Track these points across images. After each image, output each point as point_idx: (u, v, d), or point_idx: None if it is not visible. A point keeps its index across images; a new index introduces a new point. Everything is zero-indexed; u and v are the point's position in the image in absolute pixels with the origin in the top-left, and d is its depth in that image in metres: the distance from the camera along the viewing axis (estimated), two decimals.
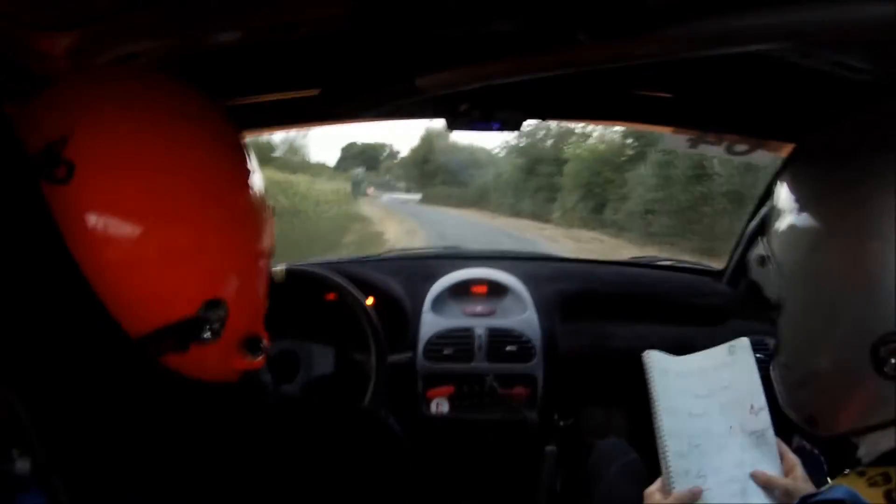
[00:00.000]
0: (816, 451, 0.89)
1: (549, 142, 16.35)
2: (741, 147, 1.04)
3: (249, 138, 0.64)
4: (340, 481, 0.51)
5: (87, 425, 0.45)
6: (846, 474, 0.53)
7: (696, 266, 1.79)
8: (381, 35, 0.71)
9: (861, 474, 0.51)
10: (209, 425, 0.50)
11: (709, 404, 0.72)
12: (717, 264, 1.69)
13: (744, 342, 0.74)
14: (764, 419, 0.70)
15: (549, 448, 1.42)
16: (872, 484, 0.50)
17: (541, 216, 14.57)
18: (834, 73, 0.61)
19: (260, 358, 0.56)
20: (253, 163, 0.57)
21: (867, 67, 0.59)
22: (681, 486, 0.68)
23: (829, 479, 0.59)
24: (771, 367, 0.65)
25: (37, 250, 0.43)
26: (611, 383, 1.48)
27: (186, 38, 0.70)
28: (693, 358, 0.75)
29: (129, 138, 0.47)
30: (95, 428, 0.45)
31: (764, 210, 0.65)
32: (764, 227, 0.64)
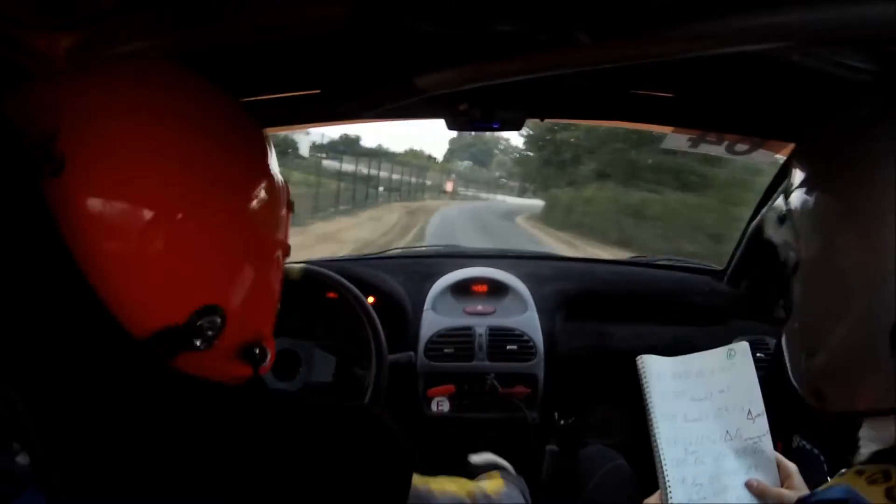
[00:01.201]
0: (816, 451, 0.89)
1: None
2: (742, 147, 1.04)
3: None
4: (339, 479, 0.51)
5: (85, 421, 0.44)
6: (843, 473, 0.52)
7: (696, 265, 1.79)
8: (381, 35, 0.71)
9: (860, 473, 0.51)
10: (209, 422, 0.49)
11: (705, 408, 0.71)
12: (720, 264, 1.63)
13: (743, 346, 0.73)
14: (761, 426, 0.69)
15: (550, 447, 1.42)
16: (872, 482, 0.49)
17: None
18: (834, 73, 0.61)
19: (261, 366, 0.53)
20: (271, 161, 0.54)
21: (867, 67, 0.59)
22: (678, 496, 0.67)
23: (829, 479, 0.58)
24: (782, 335, 0.63)
25: (35, 246, 0.43)
26: (611, 382, 1.48)
27: (186, 38, 0.70)
28: (690, 359, 0.74)
29: (123, 130, 0.45)
30: (93, 424, 0.45)
31: (773, 198, 0.64)
32: (786, 189, 0.62)
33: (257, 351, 0.53)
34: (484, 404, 1.43)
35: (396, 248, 1.95)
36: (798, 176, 0.61)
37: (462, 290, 1.56)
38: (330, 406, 0.58)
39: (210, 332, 0.47)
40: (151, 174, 0.45)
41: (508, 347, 1.44)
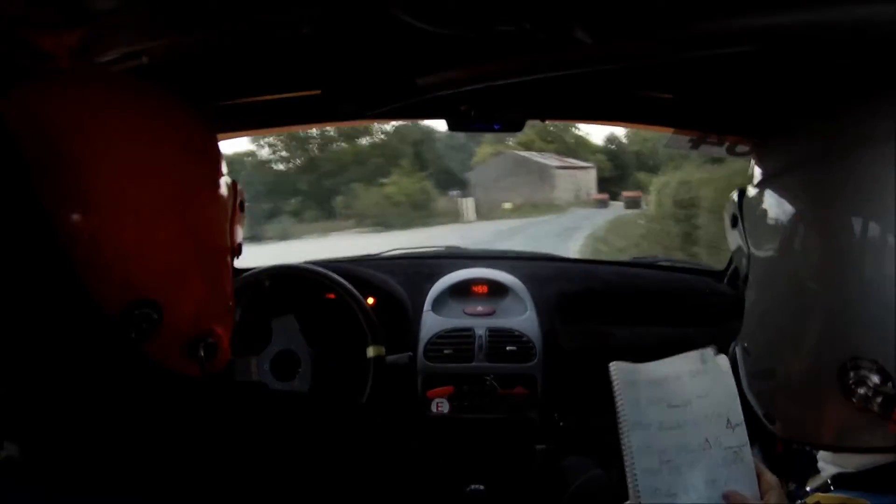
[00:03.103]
0: (816, 454, 0.89)
1: None
2: (743, 148, 1.04)
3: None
4: (333, 474, 0.51)
5: (72, 410, 0.45)
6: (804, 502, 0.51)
7: (696, 266, 1.79)
8: (382, 35, 0.71)
9: None
10: (196, 415, 0.49)
11: (684, 415, 0.68)
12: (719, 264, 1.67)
13: (711, 352, 0.71)
14: (741, 435, 0.66)
15: (540, 447, 1.41)
16: None
17: None
18: (834, 73, 0.61)
19: (209, 363, 0.54)
20: (221, 166, 0.56)
21: (866, 68, 0.59)
22: None
23: (830, 484, 0.58)
24: (735, 348, 0.62)
25: (27, 242, 0.44)
26: (611, 384, 1.48)
27: (187, 38, 0.70)
28: (665, 364, 0.71)
29: (85, 138, 0.47)
30: (80, 414, 0.45)
31: None
32: (742, 188, 0.62)
33: (202, 347, 0.54)
34: (483, 405, 1.42)
35: (396, 249, 1.95)
36: (757, 173, 0.59)
37: (462, 290, 1.56)
38: (327, 404, 0.58)
39: (144, 325, 0.48)
40: (103, 180, 0.47)
41: (508, 348, 1.44)
